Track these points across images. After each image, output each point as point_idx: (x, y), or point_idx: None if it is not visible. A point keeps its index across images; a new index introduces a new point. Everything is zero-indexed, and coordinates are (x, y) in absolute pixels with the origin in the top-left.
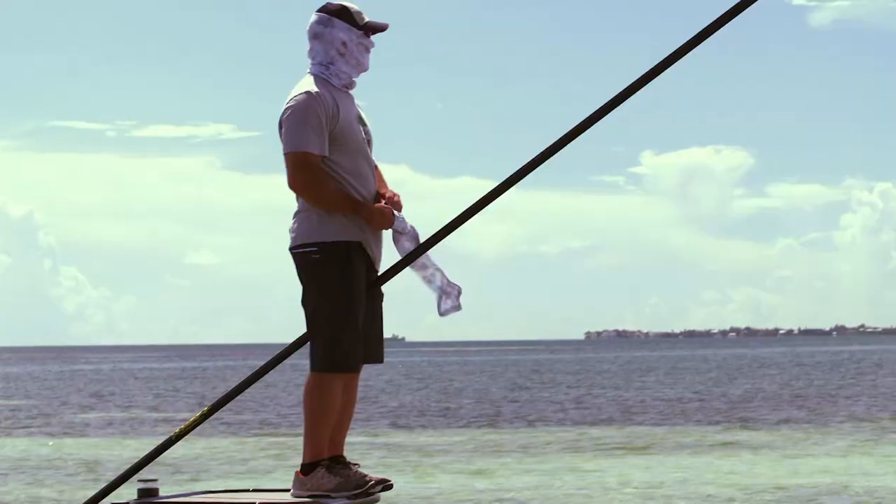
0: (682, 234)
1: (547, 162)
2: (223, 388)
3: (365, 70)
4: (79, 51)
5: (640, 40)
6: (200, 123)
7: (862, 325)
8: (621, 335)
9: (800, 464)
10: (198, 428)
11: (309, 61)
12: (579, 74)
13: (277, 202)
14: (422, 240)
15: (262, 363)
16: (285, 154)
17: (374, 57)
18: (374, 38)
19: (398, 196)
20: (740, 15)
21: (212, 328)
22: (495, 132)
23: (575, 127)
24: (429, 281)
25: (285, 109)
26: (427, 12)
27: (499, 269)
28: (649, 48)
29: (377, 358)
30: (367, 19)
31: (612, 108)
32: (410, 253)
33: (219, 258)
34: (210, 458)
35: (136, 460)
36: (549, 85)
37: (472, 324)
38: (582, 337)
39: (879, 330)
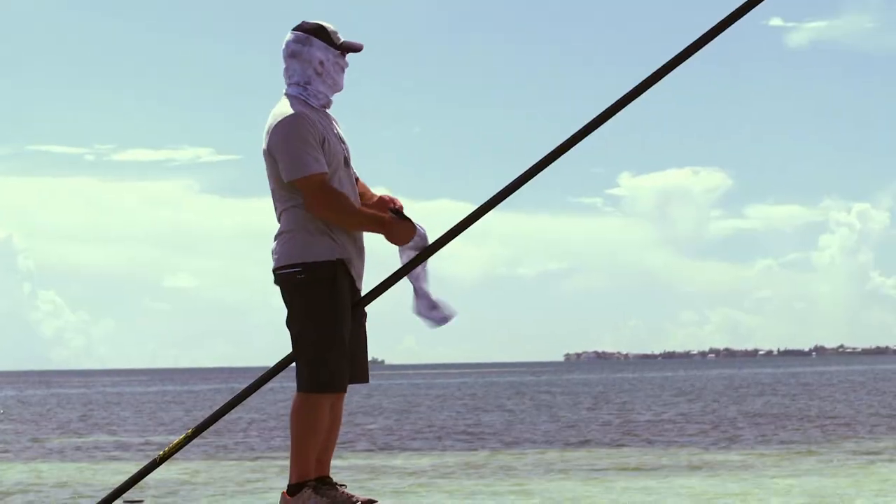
0: (660, 256)
1: (525, 183)
2: (205, 410)
3: (340, 90)
4: (56, 75)
5: (618, 62)
6: (178, 147)
7: (841, 346)
8: (601, 357)
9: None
10: (183, 450)
11: (285, 82)
12: (556, 97)
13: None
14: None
15: (243, 386)
16: (295, 181)
17: (352, 79)
18: (348, 58)
19: (396, 200)
20: (715, 33)
21: (191, 352)
22: (473, 155)
23: (556, 148)
24: (422, 289)
25: (273, 133)
26: (405, 36)
27: (477, 291)
28: (627, 69)
29: (363, 378)
30: (342, 39)
31: (592, 130)
32: (392, 275)
33: (197, 281)
34: (196, 479)
35: (119, 483)
36: (527, 108)
37: (451, 346)
38: (561, 359)
39: (859, 350)
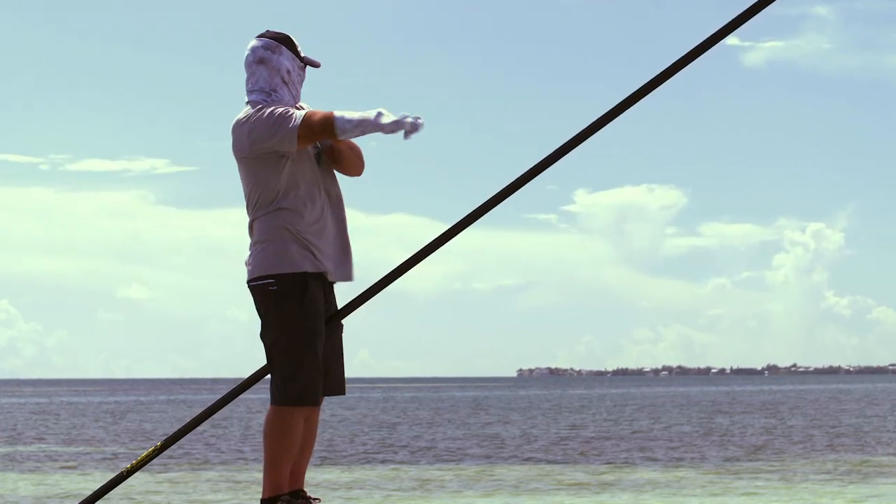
0: (615, 273)
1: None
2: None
3: (297, 103)
4: (11, 84)
5: (576, 80)
6: (134, 158)
7: (794, 365)
8: (553, 373)
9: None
10: (151, 463)
11: (246, 89)
12: (512, 113)
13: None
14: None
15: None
16: (288, 139)
17: (309, 94)
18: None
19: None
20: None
21: (144, 363)
22: (428, 170)
23: (528, 171)
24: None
25: (242, 127)
26: (359, 49)
27: (432, 306)
28: (584, 86)
29: (339, 390)
30: (303, 53)
31: (564, 154)
32: (367, 290)
33: (151, 293)
34: (166, 492)
35: (84, 496)
36: (483, 123)
37: (406, 360)
38: (514, 374)
39: (811, 370)
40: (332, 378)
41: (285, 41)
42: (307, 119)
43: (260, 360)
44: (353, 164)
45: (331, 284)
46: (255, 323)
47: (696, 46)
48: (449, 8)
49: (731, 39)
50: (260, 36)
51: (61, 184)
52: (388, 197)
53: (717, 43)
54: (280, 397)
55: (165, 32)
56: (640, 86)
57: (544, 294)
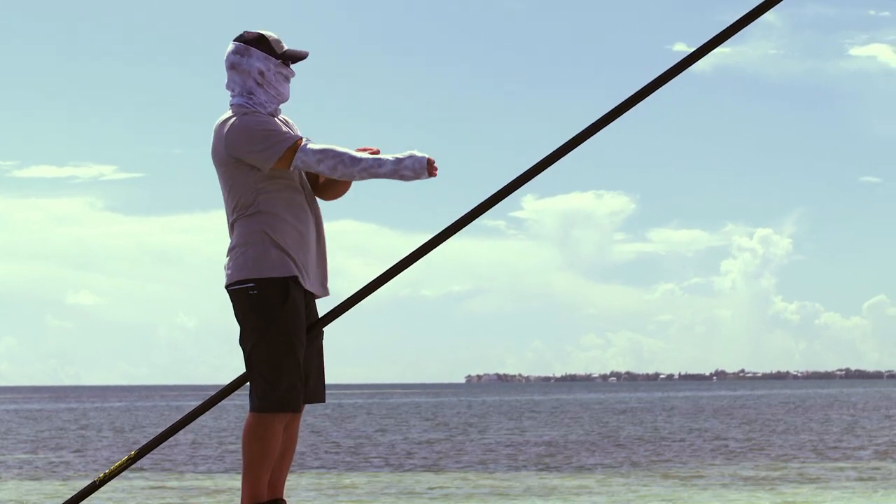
0: (564, 279)
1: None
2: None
3: (285, 100)
4: None
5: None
6: (82, 164)
7: (742, 370)
8: (502, 379)
9: None
10: (125, 472)
11: (229, 94)
12: (460, 115)
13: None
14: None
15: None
16: (276, 161)
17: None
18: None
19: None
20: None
21: (93, 370)
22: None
23: (500, 190)
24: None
25: (232, 135)
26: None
27: (381, 312)
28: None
29: (319, 398)
30: (285, 48)
31: (539, 172)
32: (349, 298)
33: (100, 299)
34: (142, 500)
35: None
36: (429, 130)
37: (354, 366)
38: (462, 380)
39: (759, 375)
40: (311, 386)
41: (255, 42)
42: (289, 153)
43: (208, 367)
44: (335, 189)
45: (311, 292)
46: (204, 329)
47: (694, 51)
48: (393, 15)
49: (678, 45)
50: (235, 39)
51: (8, 190)
52: (338, 203)
53: (716, 46)
54: (260, 404)
55: (112, 38)
56: (627, 97)
57: (493, 300)
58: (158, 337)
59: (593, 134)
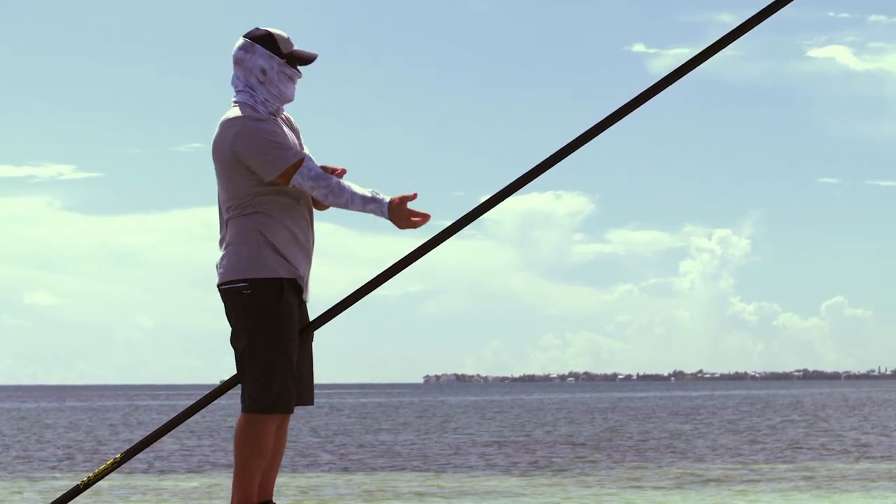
0: (523, 279)
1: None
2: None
3: (289, 101)
4: None
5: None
6: (40, 163)
7: (700, 371)
8: (460, 379)
9: None
10: (111, 473)
11: (233, 90)
12: (437, 113)
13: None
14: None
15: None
16: (277, 176)
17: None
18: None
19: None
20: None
21: (51, 369)
22: (356, 174)
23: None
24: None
25: (240, 137)
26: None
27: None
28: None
29: (308, 400)
30: (294, 48)
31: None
32: (343, 300)
33: (58, 299)
34: (128, 501)
35: None
36: (401, 131)
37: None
38: (420, 381)
39: (717, 376)
40: (302, 387)
41: (261, 39)
42: (291, 170)
43: (165, 367)
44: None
45: (303, 292)
46: (161, 330)
47: (694, 57)
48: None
49: (637, 46)
50: (244, 35)
51: None
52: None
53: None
54: (252, 405)
55: (70, 36)
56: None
57: (451, 300)
58: (116, 337)
59: (586, 143)
